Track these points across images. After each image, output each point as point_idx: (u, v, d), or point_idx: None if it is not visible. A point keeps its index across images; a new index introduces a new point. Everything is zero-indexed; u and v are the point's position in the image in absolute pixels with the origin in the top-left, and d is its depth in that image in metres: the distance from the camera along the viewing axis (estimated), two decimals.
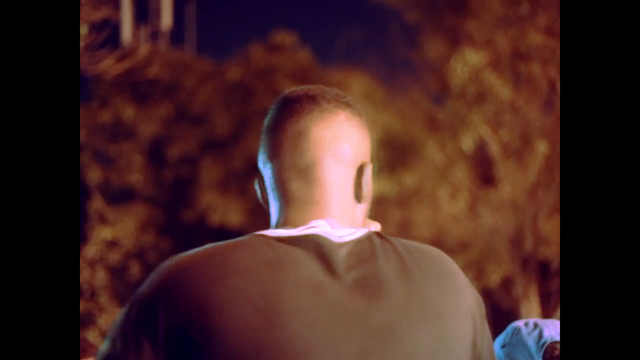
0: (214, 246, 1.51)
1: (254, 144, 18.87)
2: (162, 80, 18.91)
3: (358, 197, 1.57)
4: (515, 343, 2.50)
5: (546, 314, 14.71)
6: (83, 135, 17.05)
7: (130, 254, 17.42)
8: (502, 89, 15.07)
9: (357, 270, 1.47)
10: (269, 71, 19.56)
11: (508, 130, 15.05)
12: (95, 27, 14.16)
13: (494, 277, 15.82)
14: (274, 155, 1.56)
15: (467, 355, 1.49)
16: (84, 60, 12.79)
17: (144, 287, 1.47)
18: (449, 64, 15.77)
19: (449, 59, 15.83)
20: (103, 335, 16.00)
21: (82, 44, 12.66)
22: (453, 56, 15.66)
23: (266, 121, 1.59)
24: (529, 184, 14.64)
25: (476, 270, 15.86)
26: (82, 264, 15.94)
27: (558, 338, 2.41)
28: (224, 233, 18.32)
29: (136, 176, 18.32)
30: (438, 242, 16.23)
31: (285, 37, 20.22)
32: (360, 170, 1.58)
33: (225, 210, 18.18)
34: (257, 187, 1.62)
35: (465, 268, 16.25)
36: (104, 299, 16.31)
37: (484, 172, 15.58)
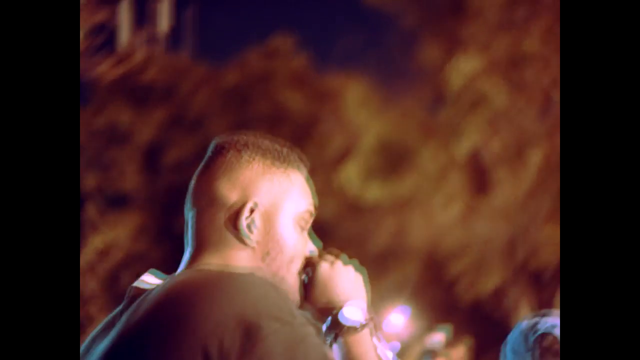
0: None
1: None
2: (159, 85, 18.90)
3: (241, 240, 1.56)
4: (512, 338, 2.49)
5: None
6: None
7: (121, 263, 17.34)
8: (497, 96, 15.04)
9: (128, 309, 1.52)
10: (266, 76, 19.53)
11: (502, 137, 15.02)
12: (92, 31, 14.17)
13: (487, 287, 15.75)
14: None
15: None
16: (81, 65, 12.77)
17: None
18: (445, 71, 15.76)
19: (444, 66, 15.82)
20: None
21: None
22: (449, 63, 15.65)
23: None
24: (522, 192, 14.61)
25: (469, 280, 15.80)
26: None
27: (555, 331, 2.37)
28: None
29: (130, 182, 18.27)
30: (431, 250, 16.18)
31: (282, 43, 20.18)
32: (236, 211, 1.57)
33: None
34: None
35: (459, 277, 16.25)
36: (93, 309, 16.19)
37: (478, 180, 15.55)
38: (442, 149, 15.41)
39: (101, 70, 15.67)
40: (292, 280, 1.63)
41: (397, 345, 11.68)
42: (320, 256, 1.71)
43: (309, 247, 1.68)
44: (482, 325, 15.87)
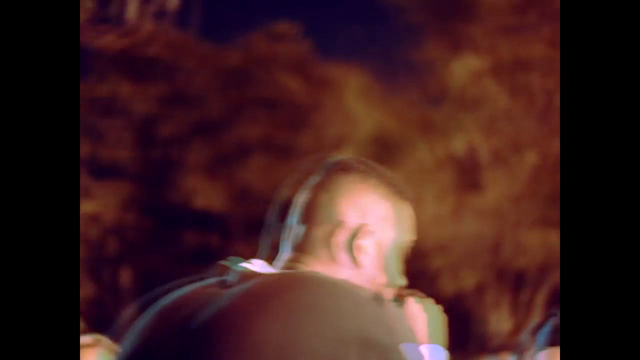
0: None
1: (246, 131, 18.87)
2: (161, 60, 18.90)
3: (353, 259, 1.63)
4: None
5: (516, 323, 14.77)
6: None
7: (109, 229, 17.39)
8: (499, 96, 15.11)
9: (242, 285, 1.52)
10: (269, 60, 19.55)
11: (500, 137, 15.08)
12: (101, 2, 14.19)
13: (469, 282, 15.83)
14: (291, 215, 1.73)
15: None
16: (86, 34, 12.78)
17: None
18: (449, 67, 15.82)
19: (449, 62, 15.87)
20: None
21: (85, 17, 12.65)
22: (454, 59, 15.71)
23: None
24: (513, 193, 14.67)
25: (452, 274, 15.88)
26: None
27: None
28: (207, 217, 18.34)
29: (124, 153, 18.28)
30: (418, 243, 16.19)
31: (287, 28, 20.20)
32: (355, 233, 1.64)
33: (210, 194, 18.16)
34: None
35: (442, 271, 16.32)
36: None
37: (471, 177, 15.61)
38: (437, 145, 15.46)
39: (106, 40, 15.69)
40: None
41: None
42: (409, 291, 1.80)
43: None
44: (462, 320, 15.96)
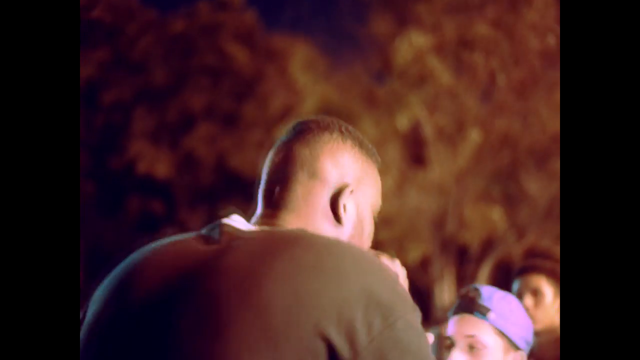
0: None
1: (190, 99, 18.78)
2: (104, 24, 18.65)
3: (336, 217, 1.61)
4: None
5: None
6: None
7: None
8: (443, 74, 15.30)
9: (229, 245, 1.50)
10: (213, 28, 19.44)
11: (444, 114, 15.31)
12: None
13: (413, 255, 16.12)
14: (262, 172, 1.68)
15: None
16: None
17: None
18: (394, 43, 15.94)
19: (394, 38, 15.99)
20: None
21: None
22: (399, 36, 15.84)
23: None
24: (457, 169, 14.92)
25: (397, 247, 16.14)
26: None
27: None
28: (150, 183, 18.23)
29: None
30: None
31: None
32: (339, 191, 1.62)
33: (153, 161, 18.06)
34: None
35: (387, 244, 16.55)
36: None
37: (416, 152, 15.81)
38: (383, 119, 15.61)
39: None
40: None
41: None
42: (377, 252, 1.82)
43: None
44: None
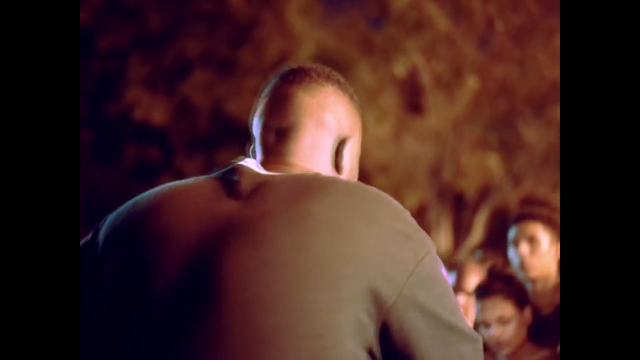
0: None
1: (186, 45, 18.62)
2: None
3: (337, 166, 1.68)
4: None
5: (456, 243, 15.16)
6: None
7: None
8: (440, 19, 15.19)
9: (257, 188, 1.54)
10: None
11: (441, 61, 15.23)
12: None
13: (410, 202, 16.13)
14: (262, 115, 1.70)
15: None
16: None
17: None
18: None
19: None
20: None
21: None
22: None
23: (263, 89, 1.73)
24: (454, 116, 14.89)
25: (393, 194, 16.13)
26: None
27: None
28: (146, 130, 18.18)
29: None
30: (360, 163, 16.40)
31: None
32: (342, 141, 1.69)
33: (149, 108, 17.98)
34: (250, 152, 1.73)
35: (384, 191, 16.48)
36: None
37: (413, 99, 15.77)
38: (380, 66, 15.53)
39: None
40: None
41: None
42: None
43: None
44: None
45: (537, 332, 3.43)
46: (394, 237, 1.48)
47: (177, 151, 18.21)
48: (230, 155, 1.87)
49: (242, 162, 1.60)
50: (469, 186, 15.60)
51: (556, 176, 14.71)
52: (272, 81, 1.73)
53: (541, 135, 14.98)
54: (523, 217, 3.68)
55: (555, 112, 14.27)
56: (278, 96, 1.69)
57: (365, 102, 15.22)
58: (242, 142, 1.82)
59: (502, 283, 3.41)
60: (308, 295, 1.43)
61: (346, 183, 1.56)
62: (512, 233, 3.64)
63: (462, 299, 4.13)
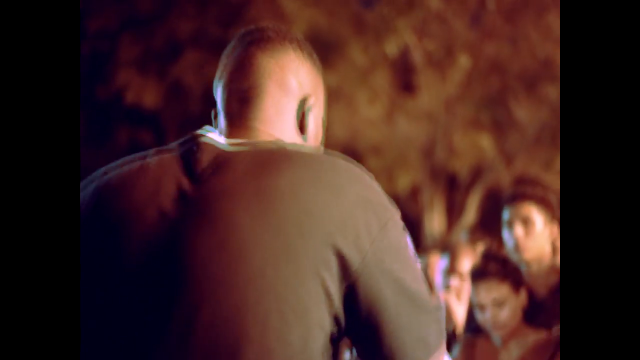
0: None
1: (177, 25, 18.53)
2: None
3: (301, 127, 1.67)
4: None
5: (449, 224, 15.17)
6: None
7: None
8: None
9: (216, 164, 1.54)
10: None
11: (433, 40, 15.18)
12: None
13: (403, 184, 16.15)
14: (222, 78, 1.68)
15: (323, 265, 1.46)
16: None
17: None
18: None
19: None
20: None
21: None
22: None
23: (224, 52, 1.71)
24: (446, 95, 14.87)
25: (386, 175, 16.14)
26: None
27: None
28: (138, 112, 18.13)
29: None
30: (351, 144, 16.40)
31: None
32: (303, 102, 1.67)
33: (141, 90, 17.92)
34: (212, 118, 1.72)
35: (376, 172, 16.50)
36: None
37: (405, 79, 15.73)
38: (372, 45, 15.47)
39: None
40: None
41: None
42: None
43: None
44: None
45: (532, 313, 3.42)
46: (356, 204, 1.49)
47: (169, 133, 18.14)
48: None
49: (202, 133, 1.59)
50: (462, 166, 15.61)
51: (548, 155, 14.73)
52: (233, 42, 1.71)
53: (533, 113, 14.97)
54: (516, 197, 3.65)
55: (547, 90, 14.25)
56: (238, 59, 1.67)
57: (357, 83, 15.21)
58: None
59: (496, 265, 3.39)
60: (269, 271, 1.44)
61: (304, 154, 1.55)
62: (506, 214, 3.62)
63: (455, 281, 4.11)
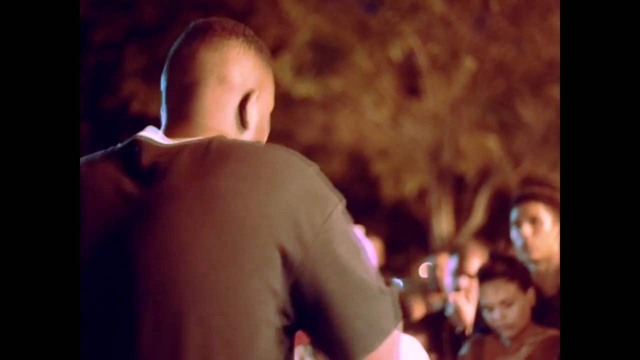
0: None
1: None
2: None
3: (243, 122, 1.67)
4: None
5: (458, 226, 15.14)
6: None
7: None
8: (435, 1, 15.12)
9: (157, 166, 1.55)
10: None
11: (437, 43, 15.16)
12: None
13: (410, 187, 16.13)
14: (166, 74, 1.71)
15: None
16: None
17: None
18: None
19: None
20: None
21: None
22: None
23: (172, 46, 1.72)
24: (452, 98, 14.85)
25: (393, 179, 16.14)
26: None
27: None
28: (144, 122, 18.10)
29: None
30: (359, 149, 16.42)
31: None
32: (246, 97, 1.67)
33: (147, 99, 17.94)
34: (161, 112, 1.73)
35: (383, 176, 16.56)
36: None
37: (410, 83, 15.71)
38: (376, 50, 15.46)
39: None
40: None
41: None
42: None
43: None
44: (404, 223, 16.30)
45: (541, 313, 3.42)
46: (297, 197, 1.48)
47: None
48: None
49: (144, 134, 1.61)
50: (469, 168, 15.58)
51: (555, 155, 14.68)
52: (179, 38, 1.72)
53: (539, 114, 14.94)
54: (525, 198, 3.66)
55: (552, 91, 14.23)
56: (181, 54, 1.69)
57: (362, 87, 15.19)
58: None
59: (503, 265, 3.40)
60: (210, 275, 1.44)
61: (242, 149, 1.54)
62: (514, 214, 3.63)
63: (464, 281, 4.11)
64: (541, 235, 3.56)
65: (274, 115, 1.80)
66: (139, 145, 1.58)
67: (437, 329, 4.06)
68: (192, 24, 1.72)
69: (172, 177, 1.51)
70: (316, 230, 1.48)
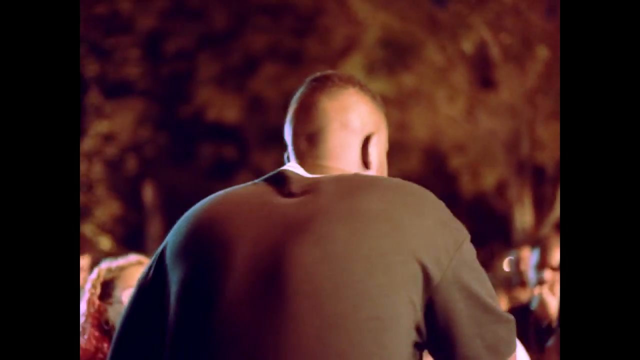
0: None
1: (252, 40, 18.73)
2: None
3: (365, 162, 1.83)
4: None
5: (539, 218, 14.94)
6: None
7: (126, 147, 17.45)
8: None
9: (307, 190, 1.70)
10: None
11: (509, 33, 15.00)
12: None
13: (489, 180, 15.97)
14: (291, 123, 1.85)
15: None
16: None
17: None
18: None
19: None
20: (100, 227, 16.14)
21: None
22: None
23: (293, 96, 1.88)
24: (527, 88, 14.66)
25: (471, 173, 16.00)
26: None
27: None
28: (220, 129, 18.35)
29: (133, 70, 18.19)
30: (434, 144, 16.33)
31: None
32: (367, 139, 1.83)
33: (222, 106, 18.15)
34: (285, 158, 1.88)
35: (461, 171, 16.43)
36: (100, 191, 16.46)
37: (484, 75, 15.57)
38: (448, 43, 15.37)
39: None
40: None
41: None
42: None
43: None
44: (484, 217, 16.14)
45: None
46: (436, 225, 1.64)
47: (252, 147, 18.34)
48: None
49: (286, 168, 1.77)
50: (548, 158, 15.35)
51: None
52: (299, 89, 1.88)
53: None
54: None
55: None
56: (304, 103, 1.84)
57: (436, 82, 15.12)
58: None
59: None
60: (366, 282, 1.57)
61: (388, 180, 1.72)
62: None
63: (548, 274, 4.05)
64: None
65: None
66: (285, 176, 1.74)
67: (522, 324, 4.01)
68: (309, 77, 1.88)
69: (323, 197, 1.65)
70: (450, 256, 1.62)
